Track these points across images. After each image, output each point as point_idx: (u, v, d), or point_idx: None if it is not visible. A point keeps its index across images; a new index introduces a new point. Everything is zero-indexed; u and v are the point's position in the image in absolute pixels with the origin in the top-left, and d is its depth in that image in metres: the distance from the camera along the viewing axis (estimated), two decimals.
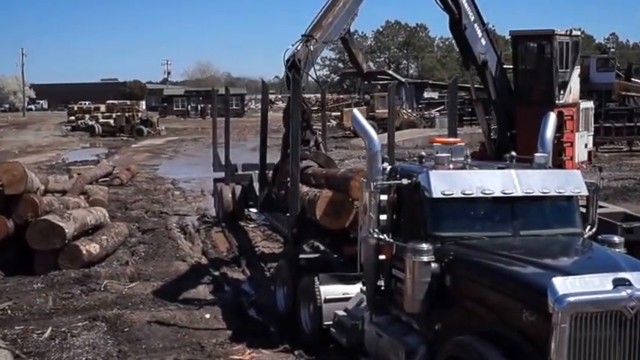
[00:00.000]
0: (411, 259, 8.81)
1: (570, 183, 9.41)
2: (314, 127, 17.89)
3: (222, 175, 24.60)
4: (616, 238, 9.11)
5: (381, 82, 51.62)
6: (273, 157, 22.71)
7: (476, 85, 22.92)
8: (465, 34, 20.08)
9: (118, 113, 72.89)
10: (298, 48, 15.79)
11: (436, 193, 9.05)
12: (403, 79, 51.37)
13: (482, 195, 9.10)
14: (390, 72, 58.06)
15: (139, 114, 74.32)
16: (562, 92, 23.42)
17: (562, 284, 7.22)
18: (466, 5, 19.78)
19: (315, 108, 39.74)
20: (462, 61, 23.36)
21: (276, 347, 12.34)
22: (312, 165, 16.40)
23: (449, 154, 9.79)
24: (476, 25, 20.22)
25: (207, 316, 13.85)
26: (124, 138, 64.52)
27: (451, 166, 9.70)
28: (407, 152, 38.76)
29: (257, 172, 19.60)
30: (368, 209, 9.73)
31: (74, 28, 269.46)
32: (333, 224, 13.30)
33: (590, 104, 26.88)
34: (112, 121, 70.90)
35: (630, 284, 7.31)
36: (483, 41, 20.44)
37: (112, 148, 52.83)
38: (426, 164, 9.99)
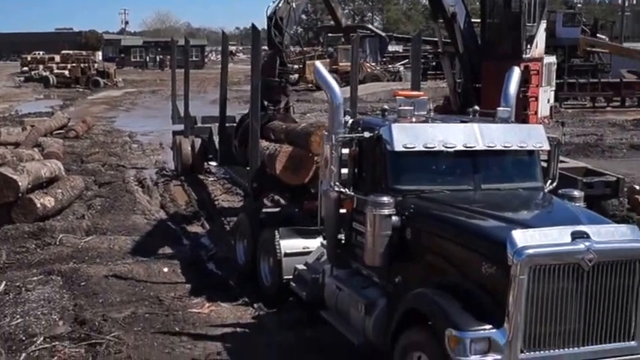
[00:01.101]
0: (372, 212, 8.76)
1: (532, 137, 9.39)
2: (290, 89, 17.54)
3: (181, 127, 24.32)
4: (576, 192, 9.24)
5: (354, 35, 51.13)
6: (233, 110, 22.51)
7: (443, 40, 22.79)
8: None
9: (74, 64, 71.60)
10: (280, 5, 15.51)
11: (398, 147, 8.97)
12: (383, 34, 50.89)
13: (444, 149, 9.04)
14: (370, 26, 57.47)
15: (95, 65, 73.11)
16: (529, 46, 23.37)
17: (521, 237, 7.28)
18: None
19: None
20: (430, 13, 23.23)
21: (235, 301, 12.28)
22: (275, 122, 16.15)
23: (412, 108, 9.71)
24: None
25: (166, 269, 13.72)
26: (80, 89, 63.48)
27: (414, 119, 9.62)
28: (370, 106, 38.66)
29: (217, 125, 19.34)
30: (329, 162, 9.63)
31: None
32: (293, 179, 13.18)
33: (552, 59, 26.89)
34: (67, 72, 69.64)
35: (588, 237, 7.41)
36: None
37: (67, 100, 51.95)
38: (388, 117, 9.89)
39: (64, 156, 24.16)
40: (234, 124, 19.74)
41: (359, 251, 9.42)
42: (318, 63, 10.88)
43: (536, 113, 19.26)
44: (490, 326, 7.32)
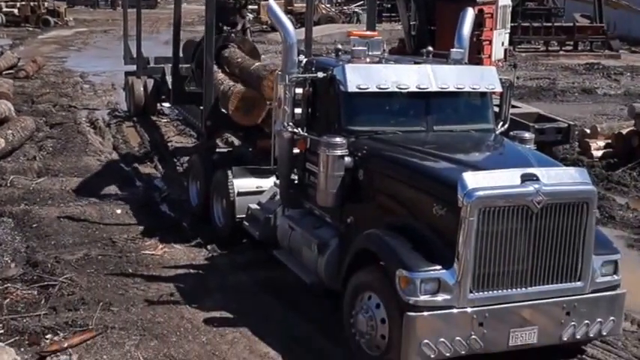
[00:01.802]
0: (325, 152, 8.80)
1: (485, 79, 9.46)
2: (246, 12, 17.18)
3: (133, 68, 23.91)
4: (527, 134, 9.37)
5: None
6: None
7: None
8: None
9: (23, 2, 69.61)
10: None
11: (351, 87, 8.98)
12: None
13: (397, 89, 9.08)
14: None
15: (45, 3, 71.27)
16: None
17: (472, 179, 7.37)
18: None
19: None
20: None
21: (188, 242, 12.25)
22: (233, 49, 15.66)
23: (365, 48, 9.68)
24: None
25: (119, 211, 13.65)
26: (30, 29, 61.97)
27: (368, 60, 9.60)
28: (325, 48, 38.41)
29: (170, 65, 19.07)
30: (282, 102, 9.62)
31: None
32: (245, 120, 13.06)
33: (508, 1, 26.83)
34: (16, 11, 67.73)
35: (538, 179, 7.54)
36: None
37: (17, 39, 50.69)
38: (342, 58, 9.86)
39: (14, 96, 23.65)
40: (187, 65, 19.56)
41: (312, 191, 9.48)
42: (271, 2, 10.75)
43: (490, 56, 19.30)
44: (440, 267, 7.44)
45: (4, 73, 29.05)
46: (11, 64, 31.09)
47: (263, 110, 12.70)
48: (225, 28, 15.33)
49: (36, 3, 68.26)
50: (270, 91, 11.80)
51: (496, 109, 9.91)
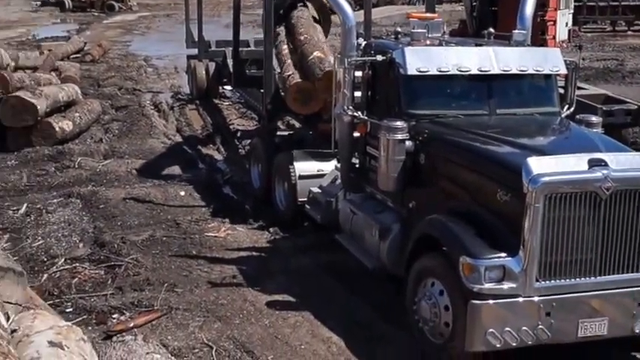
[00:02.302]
0: (386, 136, 8.73)
1: (549, 61, 9.26)
2: None
3: (195, 52, 24.15)
4: (594, 118, 9.09)
5: None
6: (247, 34, 22.25)
7: None
8: None
9: None
10: None
11: (411, 70, 8.90)
12: None
13: (458, 72, 8.96)
14: None
15: None
16: None
17: (537, 164, 7.17)
18: None
19: None
20: None
21: (251, 225, 12.37)
22: (302, 9, 15.43)
23: (425, 31, 9.61)
24: None
25: (182, 193, 13.84)
26: (95, 14, 62.95)
27: (428, 42, 9.53)
28: (385, 30, 38.17)
29: (231, 48, 19.19)
30: (342, 86, 9.60)
31: None
32: (303, 110, 13.09)
33: None
34: None
35: (606, 165, 7.26)
36: None
37: (83, 24, 51.56)
38: (401, 40, 9.80)
39: (81, 80, 24.10)
40: (248, 48, 19.63)
41: (373, 175, 9.45)
42: None
43: (554, 37, 18.92)
44: (505, 254, 7.25)
45: (71, 57, 29.59)
46: (78, 48, 31.67)
47: (320, 101, 12.68)
48: None
49: None
50: (324, 90, 11.78)
51: (561, 92, 9.74)
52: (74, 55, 30.29)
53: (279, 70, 13.78)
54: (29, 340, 5.84)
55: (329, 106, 10.96)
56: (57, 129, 16.62)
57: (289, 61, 13.80)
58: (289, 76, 13.19)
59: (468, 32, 20.56)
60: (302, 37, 14.25)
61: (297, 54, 14.03)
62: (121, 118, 19.98)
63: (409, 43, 9.47)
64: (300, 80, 13.01)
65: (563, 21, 21.11)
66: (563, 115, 9.42)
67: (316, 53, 13.30)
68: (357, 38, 9.98)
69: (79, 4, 67.12)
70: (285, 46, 14.27)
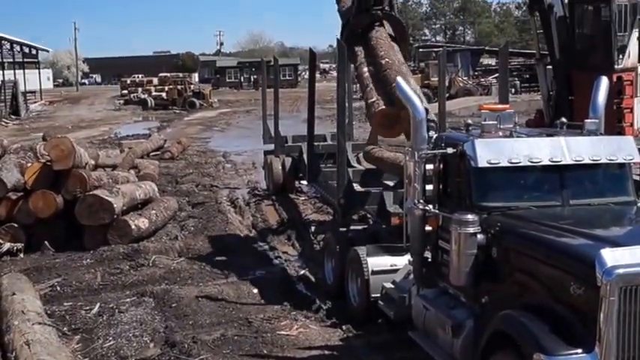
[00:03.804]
0: (457, 230, 8.52)
1: (622, 149, 9.01)
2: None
3: (272, 147, 24.47)
4: None
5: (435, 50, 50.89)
6: (326, 129, 22.43)
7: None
8: None
9: (171, 86, 73.39)
10: None
11: (482, 162, 8.75)
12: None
13: (529, 164, 8.78)
14: None
15: (192, 86, 74.77)
16: (621, 57, 22.74)
17: (611, 256, 6.90)
18: None
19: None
20: (528, 6, 23.12)
21: (324, 322, 12.19)
22: (378, 28, 15.18)
23: (496, 122, 9.48)
24: None
25: (255, 290, 13.76)
26: (177, 111, 64.87)
27: (500, 133, 9.39)
28: (462, 121, 38.21)
29: (306, 143, 19.35)
30: (413, 179, 9.51)
31: (126, 2, 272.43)
32: (387, 135, 13.38)
33: None
34: (164, 94, 71.35)
35: None
36: None
37: (164, 122, 53.13)
38: (472, 132, 9.68)
39: (160, 177, 24.64)
40: (324, 143, 19.78)
41: (445, 270, 9.21)
42: (399, 78, 10.74)
43: (632, 125, 18.61)
44: (580, 350, 6.96)
45: (151, 154, 30.34)
46: (158, 145, 32.50)
47: (405, 126, 12.58)
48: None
49: (183, 86, 71.54)
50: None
51: (636, 178, 9.45)
52: (154, 153, 31.07)
53: (360, 94, 13.76)
54: None
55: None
56: (133, 227, 16.84)
57: (372, 85, 13.75)
58: (374, 102, 13.12)
59: (545, 121, 20.39)
60: (383, 61, 14.12)
61: (378, 77, 13.92)
62: (197, 214, 20.19)
63: (480, 134, 9.35)
64: (385, 107, 12.98)
65: None
66: (639, 205, 9.11)
67: (399, 79, 13.31)
68: (429, 131, 9.89)
69: (161, 101, 69.40)
70: (366, 69, 14.26)
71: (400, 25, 15.72)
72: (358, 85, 13.85)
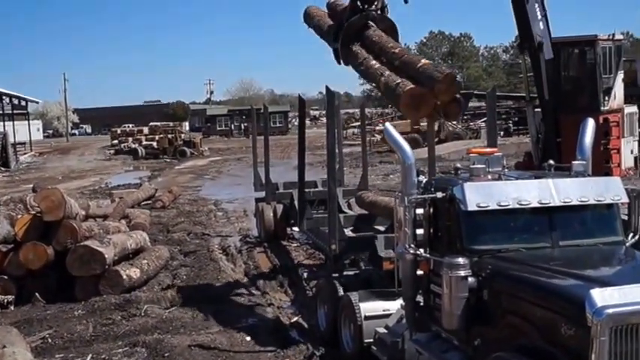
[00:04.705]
0: (448, 274, 8.59)
1: (610, 190, 9.12)
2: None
3: (263, 194, 24.51)
4: None
5: None
6: (317, 175, 22.45)
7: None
8: (527, 8, 19.96)
9: (161, 135, 73.57)
10: None
11: (471, 206, 8.83)
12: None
13: (518, 206, 8.86)
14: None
15: (182, 135, 74.97)
16: (607, 98, 23.01)
17: (600, 296, 6.96)
18: None
19: (356, 124, 39.52)
20: (518, 45, 23.42)
21: None
22: (373, 26, 15.14)
23: (484, 165, 9.57)
24: (536, 5, 20.10)
25: (248, 338, 13.70)
26: (167, 160, 64.96)
27: (489, 176, 9.47)
28: (452, 165, 38.34)
29: (297, 190, 19.40)
30: (403, 224, 9.56)
31: (115, 53, 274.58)
32: (414, 115, 13.63)
33: (634, 109, 26.41)
34: (154, 144, 71.50)
35: None
36: (541, 25, 20.26)
37: (155, 171, 53.16)
38: (461, 176, 9.77)
39: (151, 226, 24.60)
40: (314, 189, 19.82)
41: (437, 314, 9.24)
42: (387, 124, 10.87)
43: (619, 165, 18.77)
44: None
45: (142, 204, 30.30)
46: (149, 195, 32.49)
47: (431, 107, 12.64)
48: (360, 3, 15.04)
49: (173, 135, 71.72)
50: (443, 93, 12.26)
51: (625, 218, 9.52)
52: (145, 202, 31.04)
53: (372, 85, 13.70)
54: None
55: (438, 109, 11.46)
56: (124, 277, 16.76)
57: (387, 72, 13.71)
58: (399, 84, 13.09)
59: (533, 164, 20.53)
60: (397, 50, 14.15)
61: (393, 65, 13.87)
62: (189, 263, 20.15)
63: (468, 178, 9.43)
64: (413, 86, 12.93)
65: (627, 148, 21.02)
66: (628, 244, 9.18)
67: (423, 60, 13.43)
68: (418, 175, 9.98)
69: (152, 151, 69.49)
70: (374, 61, 14.24)
71: (393, 28, 15.81)
72: (367, 80, 13.70)
